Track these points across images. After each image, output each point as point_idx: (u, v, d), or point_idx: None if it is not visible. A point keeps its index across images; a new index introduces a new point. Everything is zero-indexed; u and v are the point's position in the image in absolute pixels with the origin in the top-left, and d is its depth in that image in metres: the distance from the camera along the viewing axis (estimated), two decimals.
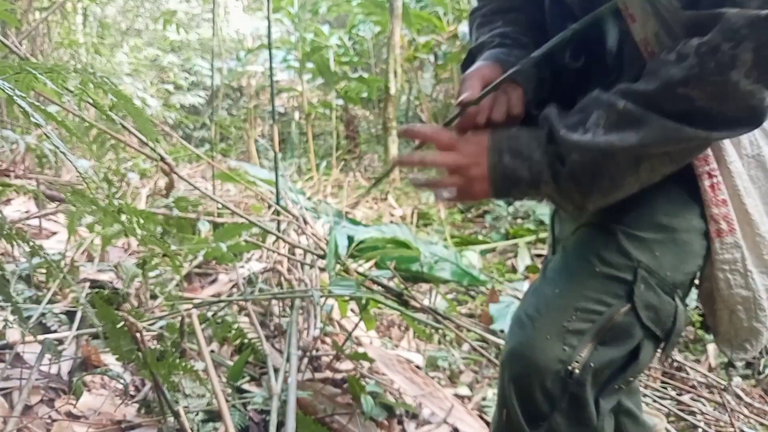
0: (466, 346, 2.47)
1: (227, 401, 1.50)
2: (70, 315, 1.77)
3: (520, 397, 0.95)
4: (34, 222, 2.59)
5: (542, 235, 4.24)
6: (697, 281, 1.03)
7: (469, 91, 1.00)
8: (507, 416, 0.97)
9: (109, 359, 1.63)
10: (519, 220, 4.92)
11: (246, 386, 1.71)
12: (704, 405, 2.10)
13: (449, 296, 3.10)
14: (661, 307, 0.95)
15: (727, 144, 0.94)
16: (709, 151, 0.93)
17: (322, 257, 2.22)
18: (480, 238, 4.65)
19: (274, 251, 2.44)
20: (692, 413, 2.00)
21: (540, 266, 1.32)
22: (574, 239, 1.03)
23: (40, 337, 1.50)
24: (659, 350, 1.00)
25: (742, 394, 2.17)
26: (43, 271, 1.92)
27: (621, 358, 0.96)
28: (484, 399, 2.07)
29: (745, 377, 2.46)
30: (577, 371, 0.92)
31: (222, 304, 1.87)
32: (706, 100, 0.82)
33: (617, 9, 0.92)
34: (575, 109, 0.92)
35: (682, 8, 0.84)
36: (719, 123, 0.84)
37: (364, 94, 8.11)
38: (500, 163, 0.92)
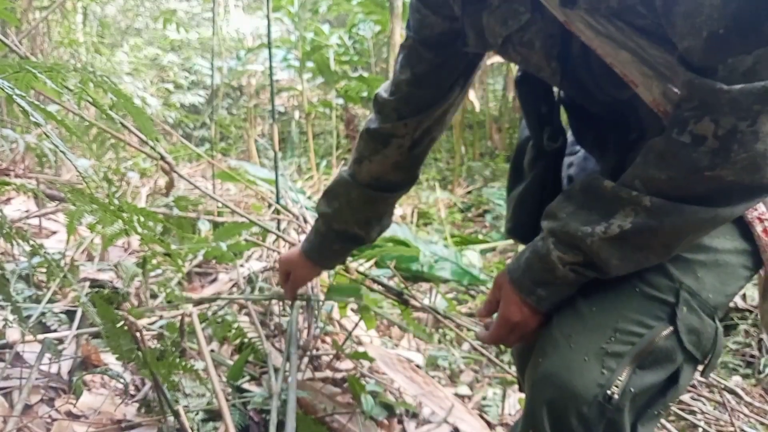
0: (466, 346, 2.47)
1: (227, 400, 1.50)
2: (70, 314, 1.77)
3: (554, 421, 0.90)
4: (34, 221, 2.59)
5: None
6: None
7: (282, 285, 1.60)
8: None
9: (109, 359, 1.63)
10: None
11: (246, 385, 1.71)
12: (704, 404, 2.10)
13: (449, 296, 3.10)
14: (703, 330, 0.92)
15: None
16: None
17: None
18: (480, 237, 4.65)
19: (274, 250, 2.44)
20: (692, 412, 2.00)
21: None
22: None
23: (40, 337, 1.49)
24: (697, 372, 0.97)
25: (742, 393, 2.17)
26: (43, 270, 1.91)
27: (660, 382, 0.92)
28: (484, 398, 2.07)
29: (745, 377, 2.46)
30: (616, 396, 0.87)
31: (222, 303, 1.87)
32: (737, 175, 0.80)
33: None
34: (584, 201, 0.92)
35: (679, 64, 0.82)
36: (755, 191, 0.84)
37: (365, 94, 8.09)
38: (538, 298, 0.96)
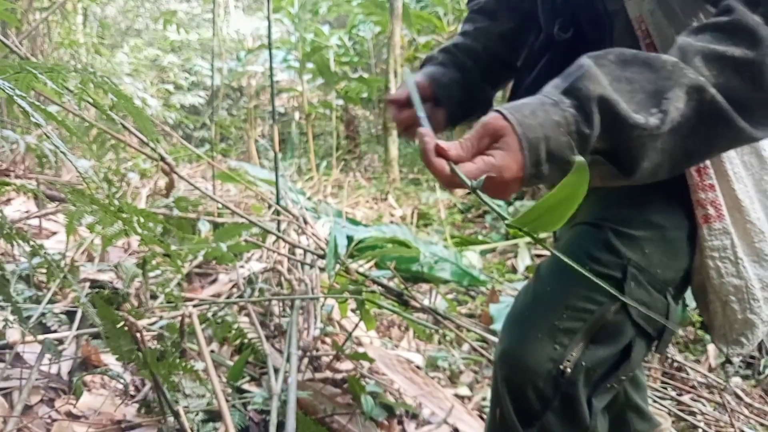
0: (466, 347, 2.47)
1: (227, 401, 1.50)
2: (70, 315, 1.77)
3: (513, 396, 0.94)
4: (34, 222, 2.59)
5: (542, 235, 4.24)
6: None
7: (392, 109, 1.13)
8: (500, 415, 0.96)
9: (109, 359, 1.63)
10: None
11: (246, 386, 1.71)
12: (704, 405, 2.10)
13: (449, 296, 3.10)
14: (653, 304, 0.94)
15: None
16: None
17: (322, 257, 2.22)
18: (480, 238, 4.65)
19: (274, 251, 2.44)
20: (692, 413, 2.00)
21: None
22: (567, 237, 1.02)
23: (40, 337, 1.50)
24: (653, 348, 0.99)
25: (742, 394, 2.18)
26: (43, 271, 1.91)
27: (613, 356, 0.95)
28: (484, 399, 2.07)
29: (745, 377, 2.46)
30: (568, 370, 0.91)
31: (222, 304, 1.87)
32: None
33: None
34: (637, 61, 0.78)
35: None
36: None
37: (364, 95, 8.12)
38: (538, 171, 0.77)
